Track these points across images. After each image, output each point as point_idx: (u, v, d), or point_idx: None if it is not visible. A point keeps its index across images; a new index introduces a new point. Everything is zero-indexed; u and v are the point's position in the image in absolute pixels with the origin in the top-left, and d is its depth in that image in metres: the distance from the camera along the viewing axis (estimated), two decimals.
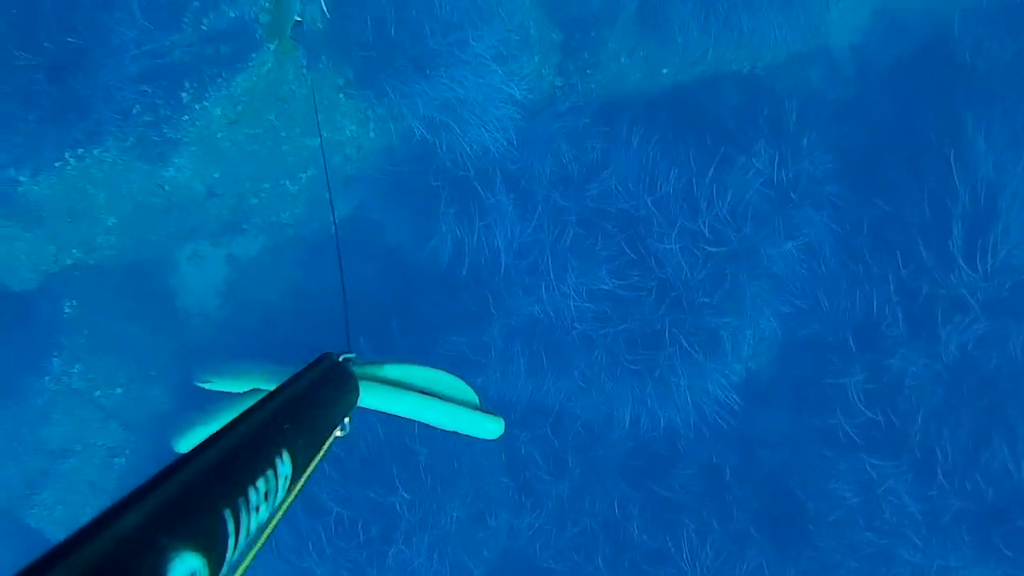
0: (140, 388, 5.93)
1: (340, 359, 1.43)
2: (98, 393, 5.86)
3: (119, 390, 5.91)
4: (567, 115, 6.06)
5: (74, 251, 5.68)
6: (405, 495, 6.11)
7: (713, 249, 5.93)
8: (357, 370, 1.47)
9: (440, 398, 1.58)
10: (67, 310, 5.75)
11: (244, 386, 1.58)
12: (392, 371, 1.59)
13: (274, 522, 0.95)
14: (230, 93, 5.47)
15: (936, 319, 5.82)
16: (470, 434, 1.65)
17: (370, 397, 1.47)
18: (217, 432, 0.89)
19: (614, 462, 6.28)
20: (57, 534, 6.02)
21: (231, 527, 0.78)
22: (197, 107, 5.45)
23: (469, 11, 5.66)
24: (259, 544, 0.90)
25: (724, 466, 6.29)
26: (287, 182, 5.88)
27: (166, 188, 5.67)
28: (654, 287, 6.00)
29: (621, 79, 6.11)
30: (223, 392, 1.65)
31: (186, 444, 1.58)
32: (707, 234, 5.93)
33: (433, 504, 6.15)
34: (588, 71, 6.08)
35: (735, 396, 6.12)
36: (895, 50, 6.08)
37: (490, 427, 1.64)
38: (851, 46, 6.14)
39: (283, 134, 5.74)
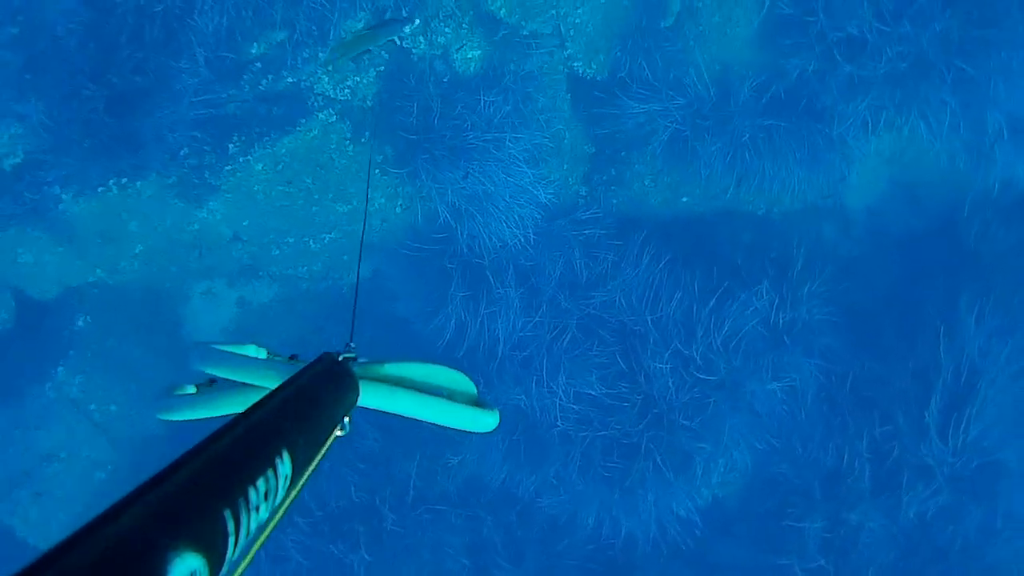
0: (134, 408, 6.27)
1: (340, 358, 1.47)
2: (93, 407, 6.21)
3: (113, 407, 6.25)
4: (585, 223, 6.45)
5: (98, 271, 6.07)
6: (366, 556, 6.42)
7: (701, 376, 6.28)
8: (357, 369, 1.51)
9: (439, 395, 1.60)
10: (80, 324, 6.11)
11: (242, 376, 1.55)
12: (392, 369, 1.62)
13: (274, 522, 0.97)
14: (274, 152, 5.89)
15: (901, 483, 6.15)
16: (468, 429, 1.66)
17: (370, 396, 1.49)
18: (217, 431, 0.92)
19: (572, 561, 6.58)
20: (27, 533, 6.34)
21: (231, 527, 0.80)
22: (241, 159, 5.87)
23: (510, 114, 6.09)
24: (258, 544, 0.92)
25: None
26: (310, 240, 6.27)
27: (195, 227, 6.08)
28: (639, 401, 6.35)
29: (642, 199, 6.52)
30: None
31: (169, 414, 1.59)
32: (698, 360, 6.29)
33: (391, 570, 6.45)
34: (612, 187, 6.50)
35: (697, 519, 6.43)
36: (907, 220, 6.48)
37: (487, 421, 1.65)
38: (867, 208, 6.55)
39: (315, 196, 6.14)
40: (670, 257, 6.39)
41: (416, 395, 1.53)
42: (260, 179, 5.97)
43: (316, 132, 5.99)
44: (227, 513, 0.80)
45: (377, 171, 6.13)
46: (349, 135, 6.06)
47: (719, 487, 6.55)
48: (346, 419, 1.34)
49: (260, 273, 6.35)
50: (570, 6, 6.19)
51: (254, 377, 1.47)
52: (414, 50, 6.06)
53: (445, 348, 6.43)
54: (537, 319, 6.36)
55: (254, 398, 1.13)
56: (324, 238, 6.29)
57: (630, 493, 6.38)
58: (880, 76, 6.15)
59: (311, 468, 1.10)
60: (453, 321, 6.37)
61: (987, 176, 6.24)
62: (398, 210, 6.31)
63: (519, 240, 6.29)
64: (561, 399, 6.29)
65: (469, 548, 6.56)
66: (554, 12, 6.20)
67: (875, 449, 6.23)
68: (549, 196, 6.31)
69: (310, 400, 1.19)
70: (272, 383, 1.38)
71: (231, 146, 5.86)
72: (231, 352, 1.59)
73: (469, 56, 6.20)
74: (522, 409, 6.38)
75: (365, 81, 6.09)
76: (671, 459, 6.30)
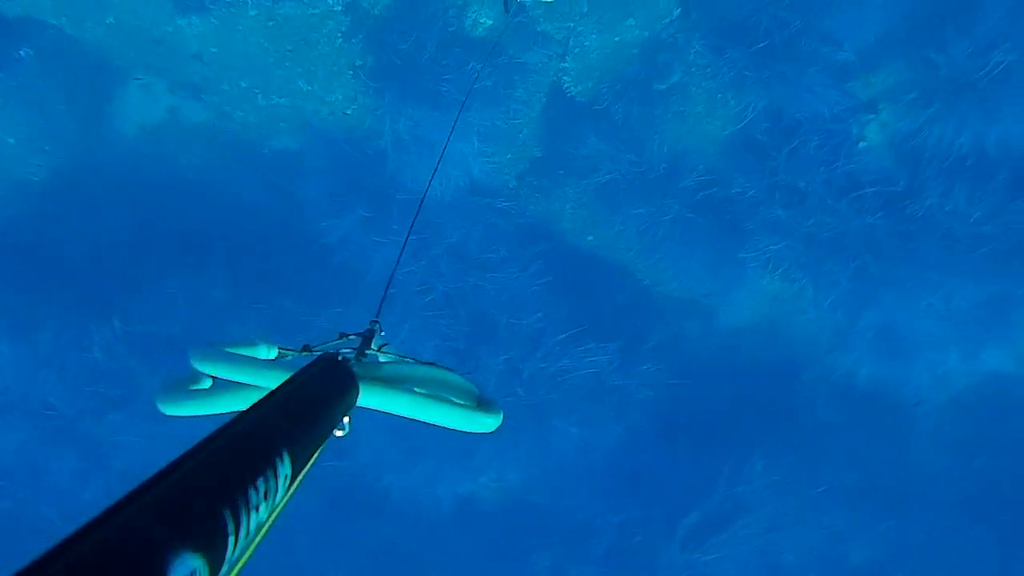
0: (23, 148, 6.73)
1: (340, 358, 1.49)
2: None
3: (11, 140, 6.70)
4: (500, 212, 7.04)
5: (64, 18, 6.47)
6: None
7: (519, 391, 6.98)
8: (357, 369, 1.53)
9: (439, 397, 1.61)
10: (22, 54, 6.52)
11: (238, 375, 1.54)
12: (392, 370, 1.65)
13: (270, 521, 0.98)
14: (273, 7, 6.35)
15: None
16: (468, 430, 1.63)
17: (369, 397, 1.49)
18: (217, 431, 0.93)
19: None
20: None
21: (231, 527, 0.81)
22: None
23: (487, 89, 6.63)
24: (255, 543, 0.93)
25: None
26: (260, 94, 6.76)
27: (169, 29, 6.51)
28: None
29: (556, 217, 7.14)
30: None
31: (170, 407, 1.58)
32: (524, 376, 6.98)
33: None
34: (537, 194, 7.09)
35: None
36: (757, 353, 7.21)
37: (487, 423, 1.64)
38: (733, 326, 7.22)
39: (287, 64, 6.63)
40: (551, 279, 7.02)
41: (415, 396, 1.54)
42: (248, 22, 6.42)
43: (318, 11, 6.44)
44: (227, 513, 0.81)
45: (351, 72, 6.62)
46: (343, 30, 6.53)
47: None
48: (345, 419, 1.36)
49: (202, 96, 6.79)
50: (588, 28, 6.72)
51: (254, 377, 1.48)
52: None
53: (321, 250, 7.00)
54: (413, 268, 6.95)
55: (258, 396, 1.16)
56: (273, 99, 6.76)
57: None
58: (802, 232, 6.83)
59: (309, 467, 1.12)
60: (343, 231, 6.94)
61: (838, 360, 7.00)
62: (348, 111, 6.81)
63: (437, 194, 6.86)
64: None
65: None
66: (571, 25, 6.72)
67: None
68: (482, 173, 6.88)
69: (310, 400, 1.22)
70: (272, 383, 1.39)
71: None
72: (231, 352, 1.57)
73: (481, 21, 6.70)
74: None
75: None
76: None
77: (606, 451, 7.09)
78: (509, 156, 6.98)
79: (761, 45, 6.53)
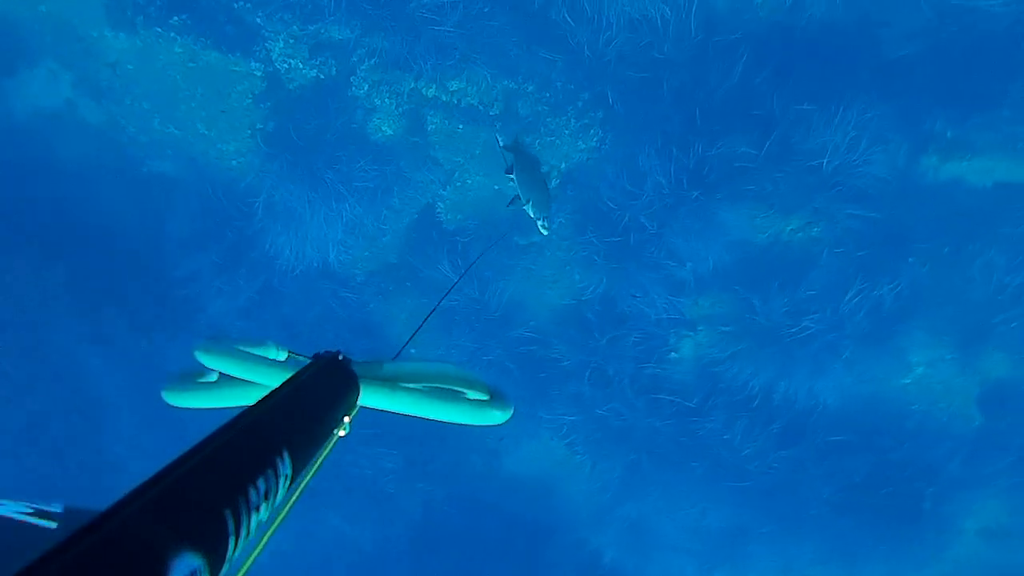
0: None
1: (340, 358, 1.49)
2: None
3: None
4: None
5: None
6: None
7: None
8: (357, 369, 1.52)
9: (442, 392, 1.61)
10: None
11: (241, 371, 1.54)
12: (392, 369, 1.64)
13: (276, 522, 0.99)
14: (196, 50, 6.95)
15: None
16: (476, 423, 1.65)
17: (370, 396, 1.51)
18: (217, 431, 0.93)
19: None
20: None
21: (231, 526, 0.83)
22: (173, 30, 6.91)
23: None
24: (261, 544, 0.94)
25: None
26: (161, 123, 7.34)
27: (95, 35, 7.06)
28: None
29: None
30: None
31: (176, 398, 1.59)
32: None
33: None
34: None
35: None
36: None
37: (494, 416, 1.65)
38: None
39: (194, 105, 7.23)
40: None
41: (417, 394, 1.54)
42: (171, 55, 7.02)
43: (239, 69, 7.07)
44: (227, 513, 0.82)
45: (250, 131, 7.25)
46: (256, 92, 7.17)
47: None
48: (346, 419, 1.36)
49: (102, 100, 7.29)
50: (475, 169, 7.48)
51: (256, 375, 1.47)
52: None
53: (166, 280, 7.51)
54: (241, 324, 7.52)
55: (263, 393, 1.17)
56: (168, 127, 7.33)
57: None
58: (597, 413, 7.61)
59: (313, 468, 1.13)
60: (192, 269, 7.50)
61: (590, 536, 7.75)
62: (234, 163, 7.42)
63: (290, 264, 7.49)
64: None
65: None
66: (461, 160, 7.47)
67: None
68: (337, 260, 7.53)
69: (310, 400, 1.23)
70: (273, 382, 1.40)
71: (175, 17, 6.89)
72: (237, 348, 1.57)
73: (383, 129, 7.40)
74: None
75: (303, 68, 7.23)
76: None
77: (361, 550, 7.67)
78: (366, 254, 7.64)
79: (616, 239, 7.36)
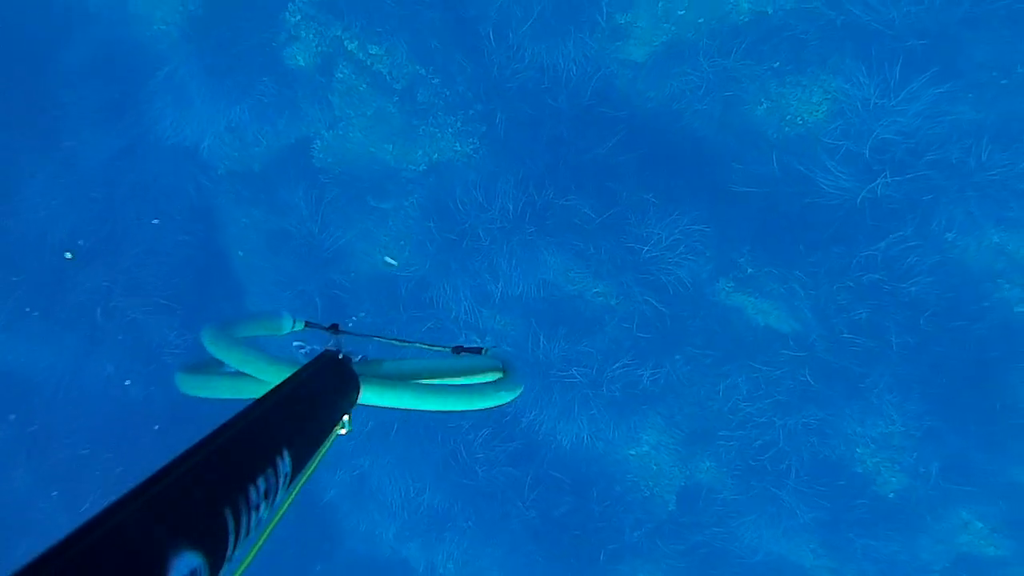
0: None
1: (340, 356, 1.54)
2: None
3: None
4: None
5: None
6: None
7: None
8: (358, 368, 1.57)
9: (445, 385, 1.64)
10: None
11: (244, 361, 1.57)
12: (393, 367, 1.68)
13: (275, 520, 1.05)
14: None
15: None
16: (485, 407, 1.67)
17: (371, 394, 1.53)
18: (217, 429, 0.99)
19: None
20: None
21: (231, 525, 0.87)
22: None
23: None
24: (260, 543, 1.00)
25: None
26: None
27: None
28: None
29: None
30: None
31: (189, 386, 1.63)
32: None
33: None
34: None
35: None
36: None
37: (502, 395, 1.67)
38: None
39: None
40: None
41: (417, 389, 1.56)
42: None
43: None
44: (227, 511, 0.87)
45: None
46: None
47: None
48: (346, 417, 1.41)
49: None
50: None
51: (257, 371, 1.51)
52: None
53: None
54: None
55: (268, 387, 1.22)
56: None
57: None
58: None
59: (312, 466, 1.18)
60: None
61: None
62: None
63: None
64: None
65: None
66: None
67: None
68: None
69: (311, 398, 1.27)
70: (275, 379, 1.42)
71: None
72: (242, 341, 1.60)
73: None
74: None
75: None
76: None
77: None
78: (235, 154, 8.77)
79: (451, 237, 8.65)
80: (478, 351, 1.89)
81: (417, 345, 1.94)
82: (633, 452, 8.77)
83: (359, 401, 1.56)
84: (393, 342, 1.95)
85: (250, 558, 0.98)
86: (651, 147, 8.50)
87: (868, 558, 8.32)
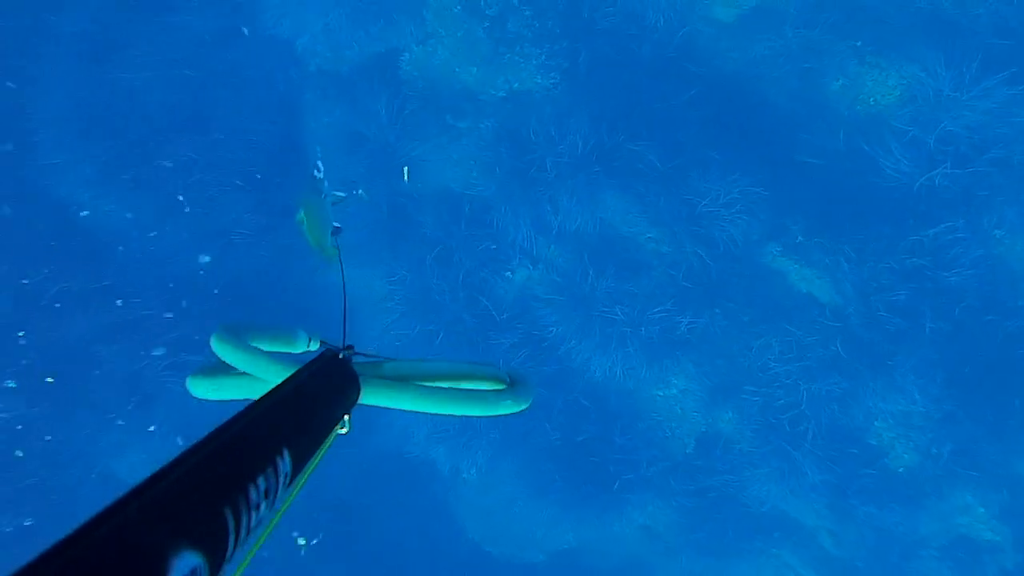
0: None
1: (340, 356, 1.57)
2: None
3: None
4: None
5: None
6: None
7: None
8: (358, 368, 1.61)
9: (447, 387, 1.66)
10: None
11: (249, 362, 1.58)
12: (393, 368, 1.71)
13: (274, 520, 1.05)
14: None
15: None
16: (486, 415, 1.70)
17: (371, 394, 1.57)
18: (217, 429, 1.01)
19: None
20: None
21: (231, 524, 0.89)
22: None
23: None
24: (259, 542, 1.01)
25: None
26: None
27: None
28: None
29: None
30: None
31: (201, 389, 1.67)
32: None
33: None
34: None
35: None
36: None
37: (507, 404, 1.67)
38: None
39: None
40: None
41: (418, 391, 1.60)
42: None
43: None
44: (227, 511, 0.89)
45: None
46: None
47: None
48: (347, 417, 1.46)
49: None
50: None
51: (260, 371, 1.56)
52: None
53: None
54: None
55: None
56: None
57: None
58: None
59: (311, 466, 1.21)
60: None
61: None
62: None
63: None
64: None
65: None
66: None
67: None
68: None
69: (311, 398, 1.31)
70: (276, 379, 1.46)
71: None
72: (247, 344, 1.62)
73: None
74: None
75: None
76: None
77: None
78: (328, 55, 9.36)
79: (519, 164, 9.23)
80: (487, 364, 1.86)
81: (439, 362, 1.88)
82: (661, 393, 9.38)
83: (360, 401, 1.58)
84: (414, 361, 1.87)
85: (249, 557, 0.98)
86: (724, 106, 8.99)
87: (869, 525, 8.91)
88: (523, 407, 1.74)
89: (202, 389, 1.68)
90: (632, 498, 9.41)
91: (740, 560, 9.40)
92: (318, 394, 1.37)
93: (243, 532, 0.92)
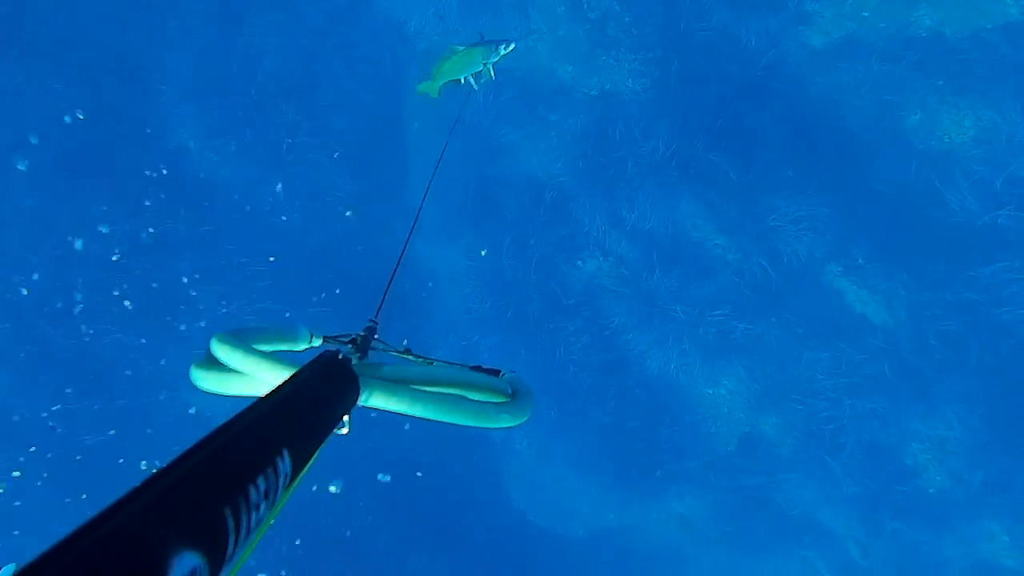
0: None
1: (340, 356, 1.58)
2: None
3: None
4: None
5: None
6: None
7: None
8: (357, 368, 1.62)
9: (446, 393, 1.69)
10: None
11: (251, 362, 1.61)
12: (393, 370, 1.74)
13: (270, 518, 1.08)
14: None
15: None
16: (483, 426, 1.69)
17: (372, 396, 1.59)
18: (217, 429, 1.02)
19: None
20: None
21: (231, 525, 0.90)
22: None
23: None
24: (255, 541, 1.03)
25: None
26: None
27: None
28: None
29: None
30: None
31: (203, 380, 1.70)
32: None
33: None
34: None
35: None
36: None
37: (504, 418, 1.70)
38: None
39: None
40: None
41: (418, 395, 1.62)
42: None
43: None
44: (227, 511, 0.90)
45: None
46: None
47: None
48: (346, 418, 1.49)
49: None
50: None
51: (260, 371, 1.60)
52: None
53: None
54: None
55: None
56: None
57: None
58: None
59: (308, 466, 1.24)
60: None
61: None
62: None
63: None
64: None
65: None
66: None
67: None
68: None
69: (311, 399, 1.34)
70: (276, 379, 1.51)
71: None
72: (246, 346, 1.67)
73: None
74: None
75: None
76: None
77: None
78: (435, 38, 10.26)
79: (602, 160, 10.05)
80: (495, 373, 1.91)
81: (435, 361, 1.96)
82: (711, 391, 10.15)
83: (360, 403, 1.61)
84: (408, 356, 1.95)
85: (246, 557, 1.01)
86: (803, 127, 9.71)
87: (896, 540, 9.62)
88: (521, 422, 1.77)
89: (207, 382, 1.71)
90: (672, 487, 10.20)
91: (769, 557, 10.16)
92: (319, 394, 1.39)
93: (243, 532, 0.95)
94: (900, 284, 9.56)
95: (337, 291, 10.11)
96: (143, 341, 10.18)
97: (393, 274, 2.41)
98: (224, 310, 10.42)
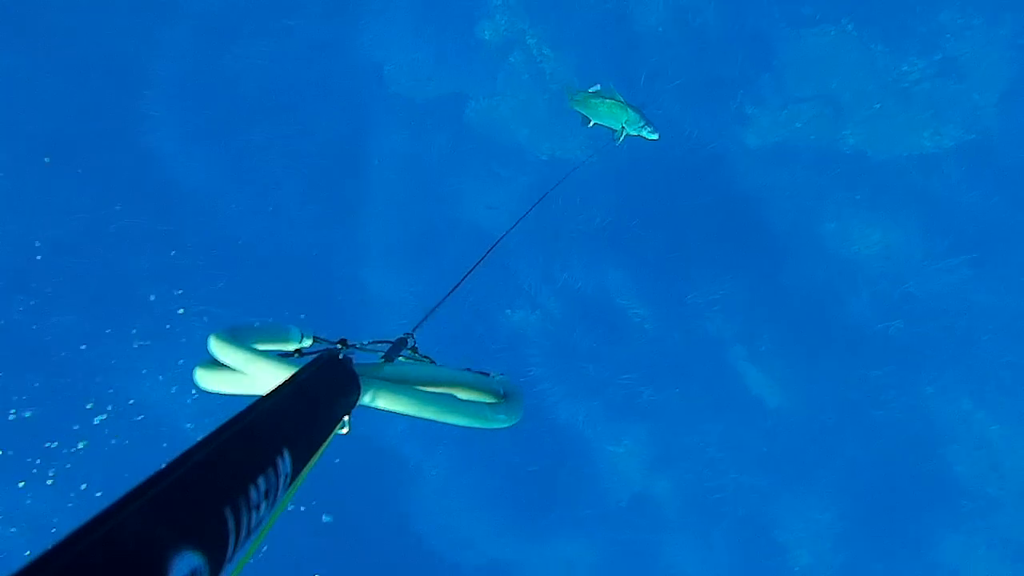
0: None
1: (340, 356, 1.61)
2: None
3: None
4: None
5: None
6: None
7: None
8: (358, 368, 1.66)
9: (444, 394, 1.75)
10: None
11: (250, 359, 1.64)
12: (393, 370, 1.80)
13: (272, 519, 1.10)
14: None
15: None
16: (481, 427, 1.77)
17: (372, 396, 1.64)
18: (218, 429, 1.04)
19: None
20: None
21: (232, 525, 0.93)
22: None
23: None
24: (256, 542, 1.05)
25: None
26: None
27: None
28: None
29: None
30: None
31: (207, 381, 1.72)
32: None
33: None
34: None
35: None
36: None
37: (500, 419, 1.77)
38: None
39: None
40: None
41: (419, 395, 1.68)
42: None
43: None
44: (228, 511, 0.93)
45: None
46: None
47: None
48: (347, 418, 1.52)
49: None
50: None
51: (260, 371, 1.63)
52: None
53: None
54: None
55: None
56: None
57: None
58: None
59: (309, 466, 1.26)
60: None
61: None
62: None
63: None
64: None
65: None
66: None
67: None
68: None
69: (311, 399, 1.37)
70: (276, 380, 1.52)
71: None
72: (246, 346, 1.69)
73: None
74: None
75: None
76: None
77: None
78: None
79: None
80: (485, 375, 1.99)
81: (428, 362, 2.04)
82: (611, 448, 11.33)
83: (360, 403, 1.66)
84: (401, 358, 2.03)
85: (248, 557, 1.04)
86: (731, 217, 10.97)
87: None
88: (515, 421, 1.85)
89: (211, 382, 1.74)
90: (564, 531, 11.35)
91: None
92: (319, 394, 1.42)
93: (243, 532, 0.97)
94: (796, 374, 10.80)
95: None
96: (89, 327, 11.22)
97: (446, 296, 2.60)
98: (180, 309, 11.49)
